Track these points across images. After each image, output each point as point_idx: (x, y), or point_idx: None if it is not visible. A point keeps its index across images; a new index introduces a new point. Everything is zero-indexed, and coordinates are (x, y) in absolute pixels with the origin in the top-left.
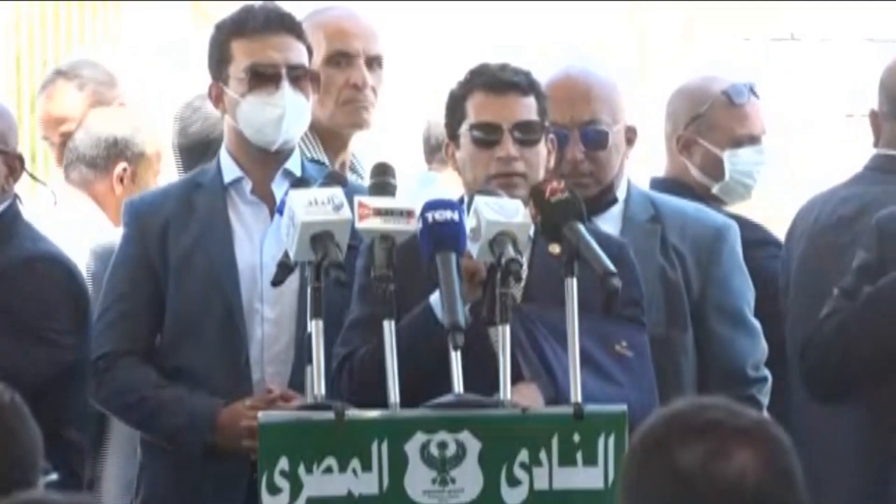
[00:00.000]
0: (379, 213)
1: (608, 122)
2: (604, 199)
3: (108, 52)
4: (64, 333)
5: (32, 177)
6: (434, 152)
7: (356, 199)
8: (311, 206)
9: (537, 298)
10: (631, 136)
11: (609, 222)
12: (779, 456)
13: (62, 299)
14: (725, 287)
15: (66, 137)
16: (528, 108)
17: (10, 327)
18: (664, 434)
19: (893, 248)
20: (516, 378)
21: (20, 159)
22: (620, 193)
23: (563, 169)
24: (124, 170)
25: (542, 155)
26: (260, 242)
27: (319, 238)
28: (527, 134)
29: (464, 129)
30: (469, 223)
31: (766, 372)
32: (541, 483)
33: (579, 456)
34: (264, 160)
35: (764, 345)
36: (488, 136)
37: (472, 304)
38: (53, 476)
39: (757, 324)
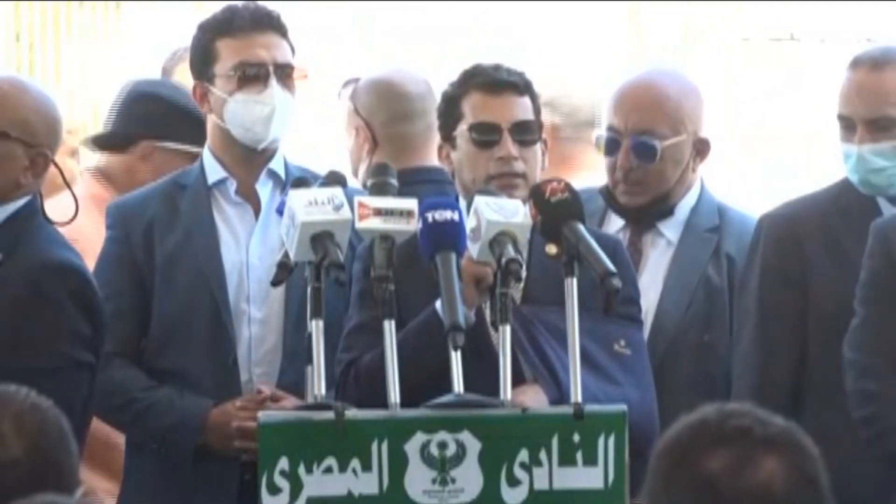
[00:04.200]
0: (379, 213)
1: (664, 135)
2: (657, 210)
3: (110, 51)
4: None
5: (62, 175)
6: None
7: (356, 199)
8: (311, 206)
9: (536, 299)
10: (702, 147)
11: (669, 228)
12: (806, 464)
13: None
14: None
15: None
16: (524, 108)
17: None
18: (691, 441)
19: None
20: (520, 381)
21: (43, 157)
22: (687, 202)
23: (616, 175)
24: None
25: (539, 155)
26: (246, 243)
27: (319, 238)
28: (525, 134)
29: (461, 129)
30: (469, 223)
31: None
32: (541, 483)
33: (579, 456)
34: (249, 160)
35: None
36: (487, 136)
37: (477, 307)
38: (82, 489)
39: None
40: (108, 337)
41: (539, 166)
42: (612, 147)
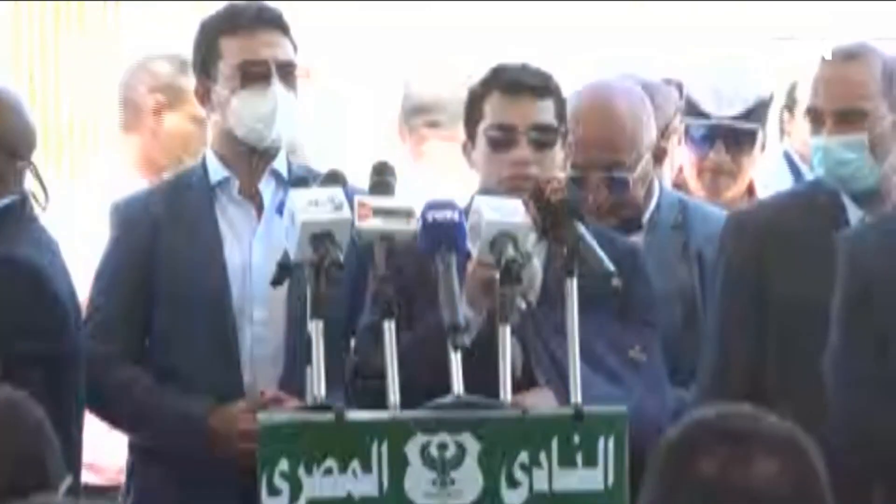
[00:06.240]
0: (379, 212)
1: (633, 161)
2: (627, 227)
3: (110, 49)
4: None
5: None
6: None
7: (356, 198)
8: (312, 205)
9: (552, 302)
10: (660, 154)
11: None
12: (805, 466)
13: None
14: None
15: None
16: (544, 110)
17: None
18: (688, 440)
19: (863, 261)
20: (531, 384)
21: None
22: (650, 206)
23: (589, 206)
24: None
25: (558, 158)
26: (248, 243)
27: (319, 238)
28: (542, 137)
29: (480, 129)
30: (469, 223)
31: None
32: (540, 484)
33: (579, 457)
34: (252, 159)
35: None
36: (503, 137)
37: (488, 312)
38: (69, 480)
39: None
40: (66, 331)
41: (557, 169)
42: (577, 183)
